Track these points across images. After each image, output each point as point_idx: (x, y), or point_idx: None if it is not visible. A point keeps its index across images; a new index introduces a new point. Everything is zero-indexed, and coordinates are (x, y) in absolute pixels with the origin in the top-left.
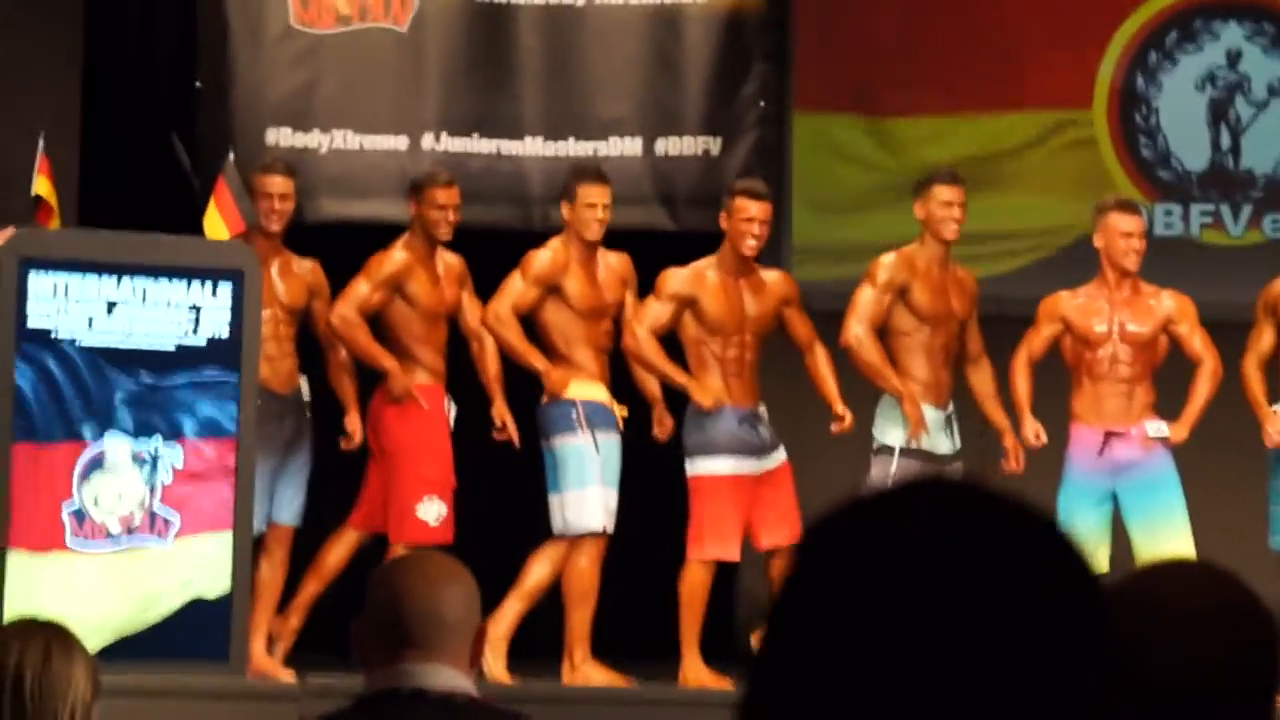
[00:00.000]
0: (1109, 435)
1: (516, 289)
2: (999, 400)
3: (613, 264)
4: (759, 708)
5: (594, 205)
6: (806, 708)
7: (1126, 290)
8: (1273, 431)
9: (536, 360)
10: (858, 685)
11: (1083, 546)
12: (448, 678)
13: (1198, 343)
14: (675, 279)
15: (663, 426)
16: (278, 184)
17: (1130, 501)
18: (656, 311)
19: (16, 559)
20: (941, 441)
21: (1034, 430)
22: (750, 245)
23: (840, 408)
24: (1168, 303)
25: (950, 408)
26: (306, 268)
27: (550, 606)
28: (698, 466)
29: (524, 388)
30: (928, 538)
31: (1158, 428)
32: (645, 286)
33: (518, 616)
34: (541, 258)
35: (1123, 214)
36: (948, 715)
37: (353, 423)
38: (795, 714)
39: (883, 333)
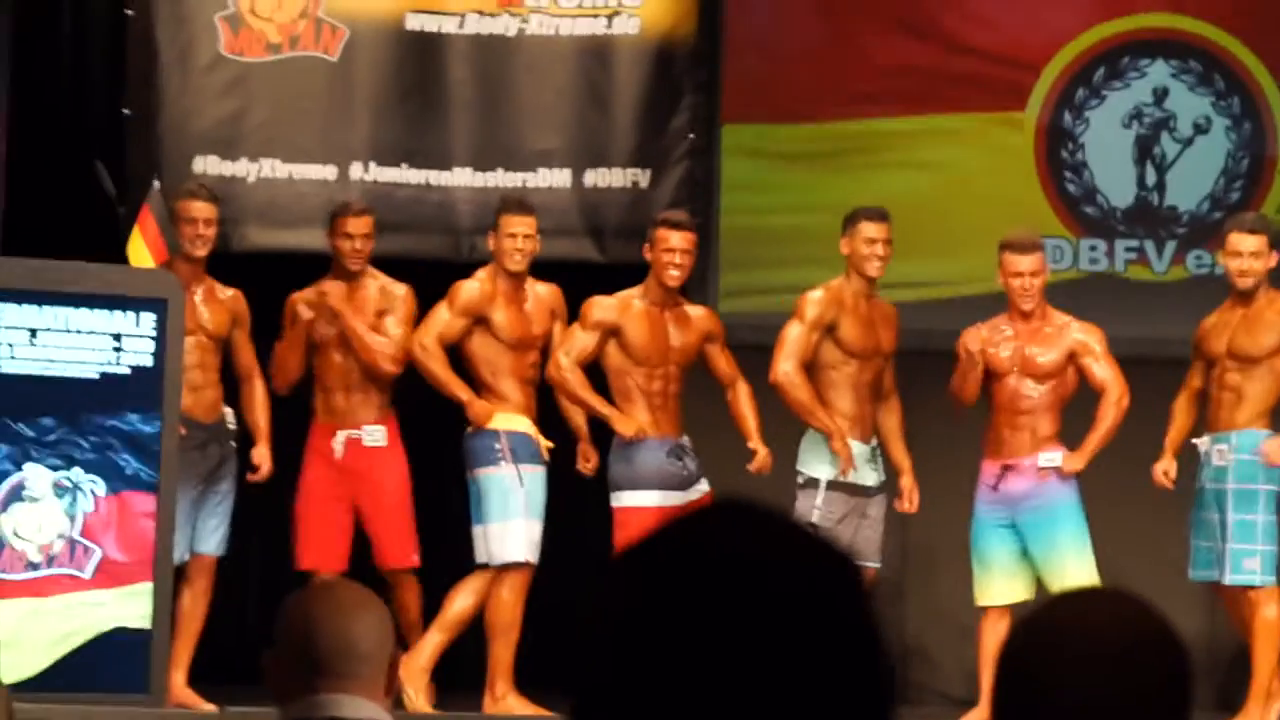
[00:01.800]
0: (1005, 468)
1: (443, 319)
2: (903, 439)
3: (541, 295)
4: None
5: (514, 235)
6: None
7: (1034, 321)
8: (1158, 470)
9: (460, 391)
10: (652, 706)
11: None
12: (362, 708)
13: (1101, 372)
14: (600, 307)
15: (588, 461)
16: (201, 209)
17: (1028, 533)
18: (582, 340)
19: None
20: (867, 474)
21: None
22: (673, 276)
23: (756, 445)
24: (1075, 333)
25: (875, 441)
26: (229, 295)
27: (473, 638)
28: (623, 499)
29: (450, 418)
30: (707, 559)
31: (1050, 457)
32: (574, 318)
33: (440, 647)
34: (469, 288)
35: (1015, 255)
36: None
37: (260, 454)
38: None
39: (810, 366)
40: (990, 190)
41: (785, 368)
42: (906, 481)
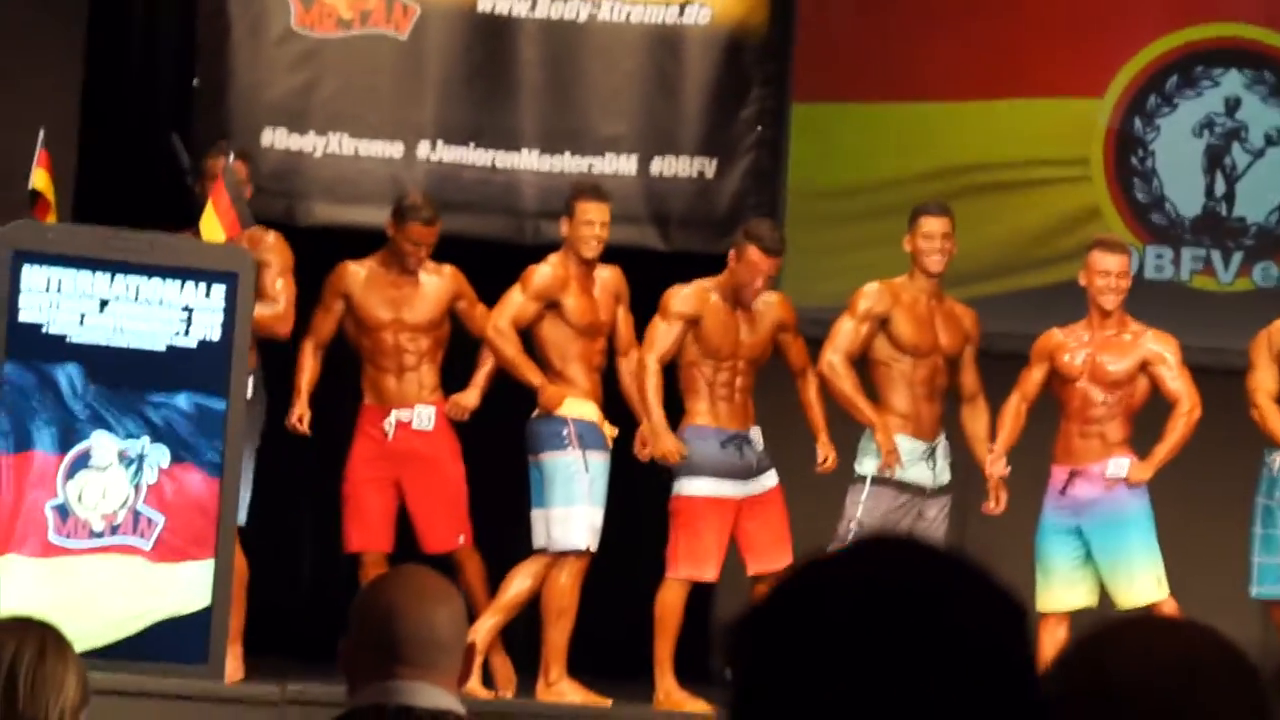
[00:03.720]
0: (1073, 474)
1: (516, 302)
2: (989, 443)
3: (606, 280)
4: None
5: (591, 222)
6: None
7: (1111, 329)
8: None
9: (533, 375)
10: None
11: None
12: (436, 697)
13: (1175, 383)
14: (680, 299)
15: (646, 447)
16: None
17: (1094, 540)
18: (664, 334)
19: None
20: (920, 472)
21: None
22: (757, 291)
23: (823, 447)
24: (1149, 343)
25: (936, 440)
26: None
27: (528, 622)
28: (679, 487)
29: (510, 401)
30: (877, 592)
31: (1117, 466)
32: (634, 304)
33: (494, 630)
34: (542, 272)
35: (1104, 253)
36: None
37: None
38: None
39: (866, 361)
40: (1057, 193)
41: (831, 359)
42: (994, 482)
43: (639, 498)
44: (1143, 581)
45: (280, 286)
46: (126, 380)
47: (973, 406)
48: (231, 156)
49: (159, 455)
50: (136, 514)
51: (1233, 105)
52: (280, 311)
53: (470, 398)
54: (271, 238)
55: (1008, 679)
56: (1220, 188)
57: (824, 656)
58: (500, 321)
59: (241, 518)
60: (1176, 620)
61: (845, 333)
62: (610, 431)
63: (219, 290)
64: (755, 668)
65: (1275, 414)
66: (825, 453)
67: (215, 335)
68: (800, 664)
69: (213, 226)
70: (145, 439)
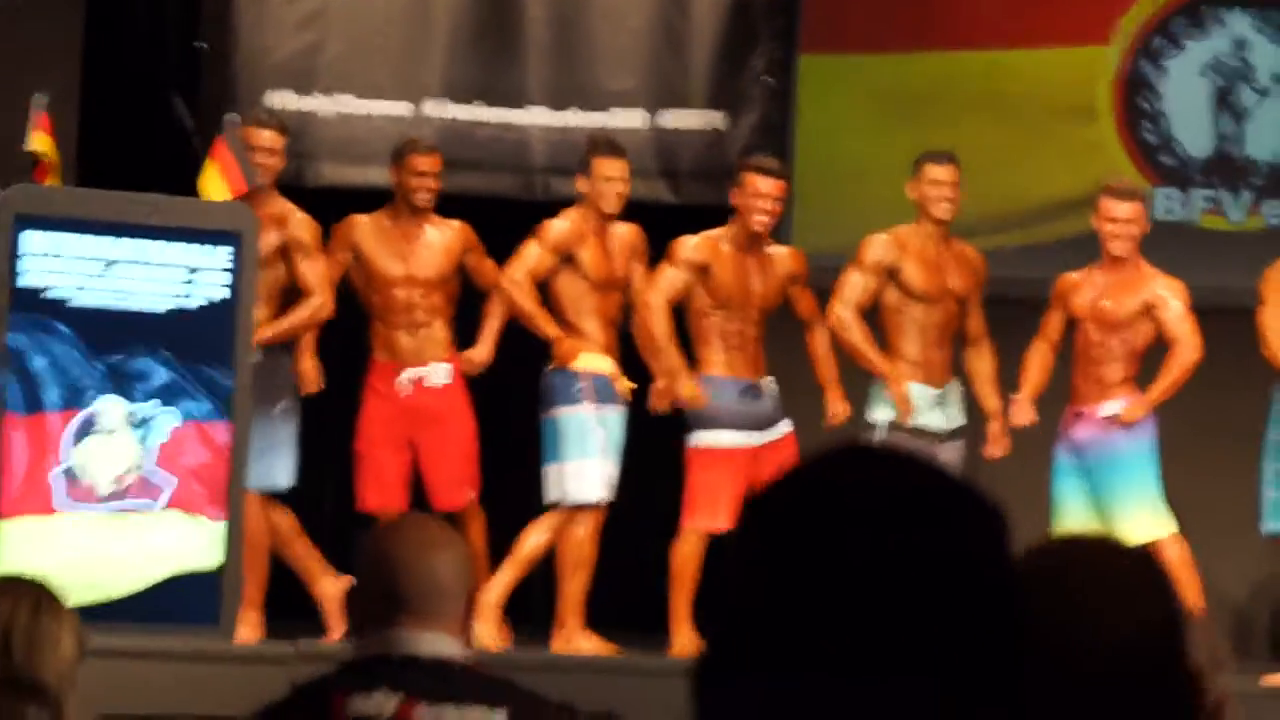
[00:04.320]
0: (1076, 415)
1: (533, 255)
2: (994, 384)
3: (623, 235)
4: (709, 675)
5: (612, 179)
6: (739, 671)
7: (1123, 273)
8: None
9: (550, 328)
10: (793, 651)
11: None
12: (440, 644)
13: (1176, 327)
14: (687, 247)
15: (661, 400)
16: (267, 138)
17: (1096, 479)
18: (670, 278)
19: (4, 523)
20: (934, 418)
21: (1026, 417)
22: (761, 222)
23: (834, 401)
24: (1157, 286)
25: (948, 385)
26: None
27: (542, 576)
28: (695, 439)
29: (521, 356)
30: (850, 504)
31: (1112, 406)
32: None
33: (511, 584)
34: (559, 226)
35: (1114, 200)
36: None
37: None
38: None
39: (877, 308)
40: (1067, 134)
41: (840, 312)
42: (995, 426)
43: (655, 451)
44: (1138, 519)
45: (317, 274)
46: (132, 343)
47: (977, 349)
48: (235, 118)
49: (169, 417)
50: (146, 476)
51: (1240, 45)
52: (321, 302)
53: (482, 352)
54: (299, 215)
55: (984, 587)
56: (1229, 128)
57: (794, 565)
58: (516, 273)
59: (285, 480)
60: (1108, 541)
61: (853, 284)
62: (625, 386)
63: (224, 251)
64: (732, 580)
65: None
66: (835, 407)
67: (221, 296)
68: (771, 574)
69: (216, 185)
70: (155, 401)
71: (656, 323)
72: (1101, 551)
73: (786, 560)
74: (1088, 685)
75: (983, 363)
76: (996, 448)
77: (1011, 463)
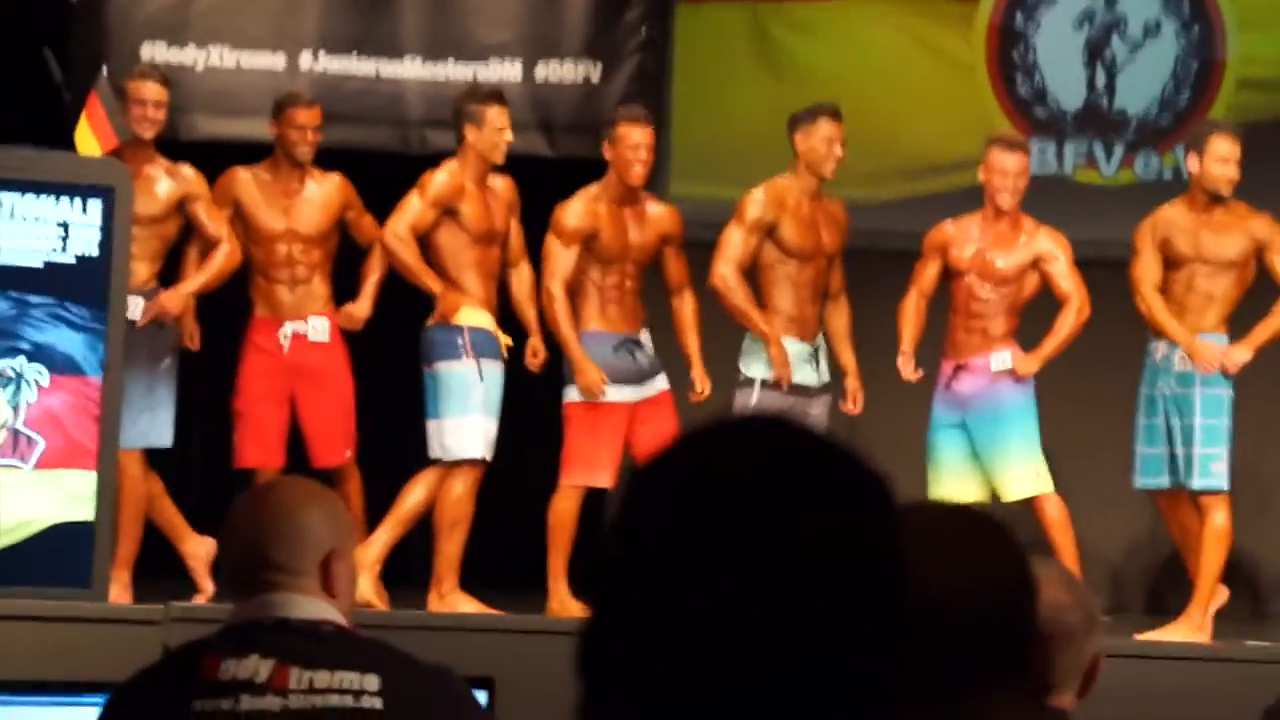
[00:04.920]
0: (958, 368)
1: (415, 209)
2: (850, 341)
3: (499, 189)
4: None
5: (502, 129)
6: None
7: (1004, 225)
8: (1209, 356)
9: (433, 282)
10: (682, 626)
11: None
12: (313, 607)
13: (1065, 282)
14: (574, 214)
15: (536, 357)
16: (152, 91)
17: (976, 435)
18: (565, 258)
19: None
20: (807, 374)
21: (913, 372)
22: (637, 173)
23: (698, 379)
24: (1043, 241)
25: (818, 341)
26: (190, 175)
27: (419, 534)
28: (571, 393)
29: (401, 311)
30: (733, 469)
31: (1002, 359)
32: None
33: (390, 543)
34: (439, 179)
35: (1003, 151)
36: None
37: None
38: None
39: (753, 265)
40: (939, 89)
41: (723, 271)
42: (852, 383)
43: (531, 407)
44: (1020, 475)
45: (218, 224)
46: (5, 298)
47: (835, 304)
48: (105, 71)
49: (36, 373)
50: (16, 434)
51: None
52: (231, 249)
53: (362, 308)
54: (188, 168)
55: (870, 556)
56: (1101, 80)
57: (681, 541)
58: (399, 227)
59: (167, 439)
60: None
61: (735, 243)
62: (505, 340)
63: (95, 205)
64: (614, 545)
65: (1159, 303)
66: (701, 385)
67: (93, 251)
68: (658, 550)
69: (88, 140)
70: (21, 358)
71: (561, 313)
72: (952, 517)
73: (672, 537)
74: (937, 650)
75: (840, 319)
76: (854, 404)
77: (881, 416)
